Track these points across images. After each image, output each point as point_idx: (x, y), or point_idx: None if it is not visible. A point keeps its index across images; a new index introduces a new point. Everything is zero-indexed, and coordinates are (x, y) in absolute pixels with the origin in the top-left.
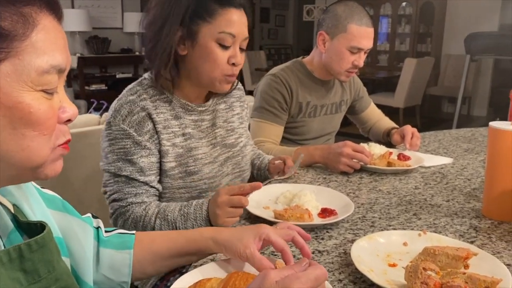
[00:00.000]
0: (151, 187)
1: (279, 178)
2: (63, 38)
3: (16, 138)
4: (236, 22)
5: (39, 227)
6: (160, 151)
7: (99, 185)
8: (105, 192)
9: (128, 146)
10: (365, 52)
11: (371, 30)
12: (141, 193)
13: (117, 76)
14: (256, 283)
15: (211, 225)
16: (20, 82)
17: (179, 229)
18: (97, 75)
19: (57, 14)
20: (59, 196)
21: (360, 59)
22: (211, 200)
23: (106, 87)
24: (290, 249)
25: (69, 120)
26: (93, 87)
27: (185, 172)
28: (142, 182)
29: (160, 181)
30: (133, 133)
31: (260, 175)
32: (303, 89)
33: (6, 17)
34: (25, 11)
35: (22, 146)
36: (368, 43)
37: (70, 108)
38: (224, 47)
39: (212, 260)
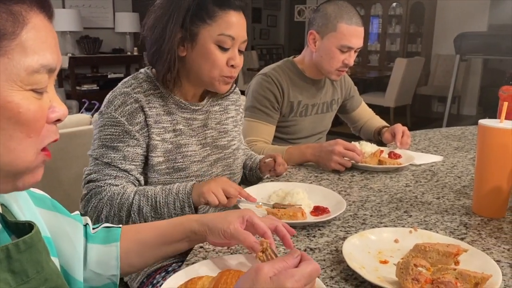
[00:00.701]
0: (131, 175)
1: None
2: (53, 37)
3: (3, 139)
4: (235, 24)
5: (27, 227)
6: (148, 145)
7: None
8: (84, 172)
9: (117, 133)
10: (355, 51)
11: (361, 29)
12: (121, 177)
13: (109, 76)
14: (249, 278)
15: (192, 202)
16: (9, 81)
17: (160, 204)
18: (88, 75)
19: (48, 13)
20: (48, 196)
21: (351, 58)
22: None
23: (98, 87)
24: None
25: (58, 120)
26: (85, 87)
27: (172, 168)
28: (122, 169)
29: (146, 176)
30: (124, 122)
31: (252, 175)
32: (294, 88)
33: None
34: (15, 9)
35: (9, 148)
36: (358, 42)
37: (59, 108)
38: (224, 49)
39: (204, 258)
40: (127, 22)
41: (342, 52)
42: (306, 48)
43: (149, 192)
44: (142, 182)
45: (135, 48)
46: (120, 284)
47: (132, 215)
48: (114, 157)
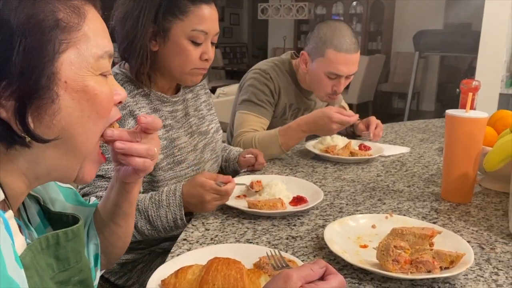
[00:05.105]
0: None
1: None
2: (105, 27)
3: (82, 121)
4: (208, 18)
5: (70, 219)
6: None
7: None
8: (77, 187)
9: (106, 145)
10: (346, 77)
11: (351, 56)
12: None
13: None
14: (277, 285)
15: (184, 212)
16: (82, 69)
17: (152, 217)
18: None
19: (97, 6)
20: (73, 188)
21: (340, 85)
22: (191, 185)
23: None
24: None
25: (120, 102)
26: None
27: (173, 162)
28: None
29: (152, 176)
30: None
31: (228, 166)
32: (290, 91)
33: (62, 10)
34: (75, 3)
35: (85, 127)
36: (347, 69)
37: (120, 90)
38: (196, 44)
39: (188, 250)
40: None
41: (330, 78)
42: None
43: (140, 206)
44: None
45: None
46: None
47: None
48: (108, 168)
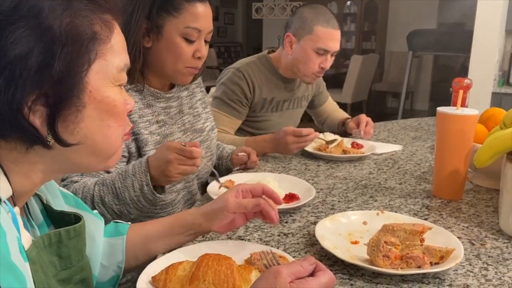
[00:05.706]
0: (106, 172)
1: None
2: (125, 41)
3: (102, 129)
4: (201, 16)
5: (72, 218)
6: (139, 141)
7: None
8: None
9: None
10: (332, 55)
11: (337, 32)
12: (92, 174)
13: None
14: (267, 280)
15: (151, 179)
16: (106, 79)
17: (119, 189)
18: None
19: (119, 23)
20: (71, 194)
21: (327, 62)
22: (157, 150)
23: None
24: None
25: (130, 111)
26: None
27: None
28: None
29: None
30: None
31: (221, 164)
32: (269, 85)
33: (96, 23)
34: (107, 18)
35: (106, 135)
36: (334, 45)
37: (130, 100)
38: (190, 41)
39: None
40: None
41: (319, 54)
42: (282, 49)
43: (107, 180)
44: None
45: None
46: None
47: (97, 207)
48: None
